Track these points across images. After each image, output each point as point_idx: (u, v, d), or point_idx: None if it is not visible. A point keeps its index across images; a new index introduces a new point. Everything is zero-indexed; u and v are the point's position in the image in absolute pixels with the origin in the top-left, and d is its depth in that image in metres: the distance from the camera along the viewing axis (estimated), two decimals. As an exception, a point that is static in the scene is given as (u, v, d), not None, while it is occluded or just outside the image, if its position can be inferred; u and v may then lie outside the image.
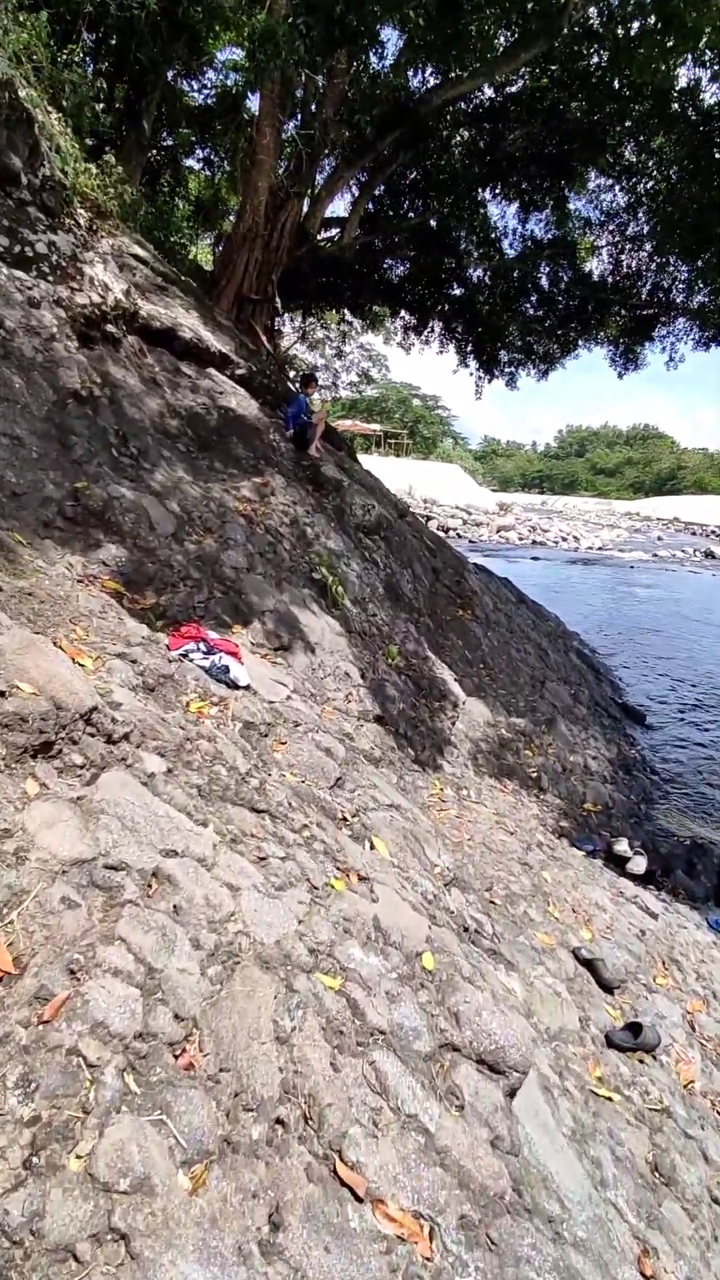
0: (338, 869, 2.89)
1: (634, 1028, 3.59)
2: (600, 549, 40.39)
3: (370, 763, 4.67)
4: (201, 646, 4.28)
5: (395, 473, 41.72)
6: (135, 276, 7.38)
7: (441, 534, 34.58)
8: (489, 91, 16.21)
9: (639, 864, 5.86)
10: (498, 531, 39.58)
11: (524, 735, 7.18)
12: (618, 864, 5.89)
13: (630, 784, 7.78)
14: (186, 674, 3.93)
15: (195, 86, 17.27)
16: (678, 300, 18.22)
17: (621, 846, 6.00)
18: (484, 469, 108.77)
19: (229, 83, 16.63)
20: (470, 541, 35.19)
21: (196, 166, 19.36)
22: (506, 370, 20.34)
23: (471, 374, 20.54)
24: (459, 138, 16.18)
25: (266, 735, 3.91)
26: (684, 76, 15.26)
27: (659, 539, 50.60)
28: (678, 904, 5.47)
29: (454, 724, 6.48)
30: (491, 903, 4.06)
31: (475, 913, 3.68)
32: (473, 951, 3.31)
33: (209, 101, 17.50)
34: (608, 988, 3.88)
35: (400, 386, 74.56)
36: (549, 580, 24.86)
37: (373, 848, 3.52)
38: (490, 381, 20.67)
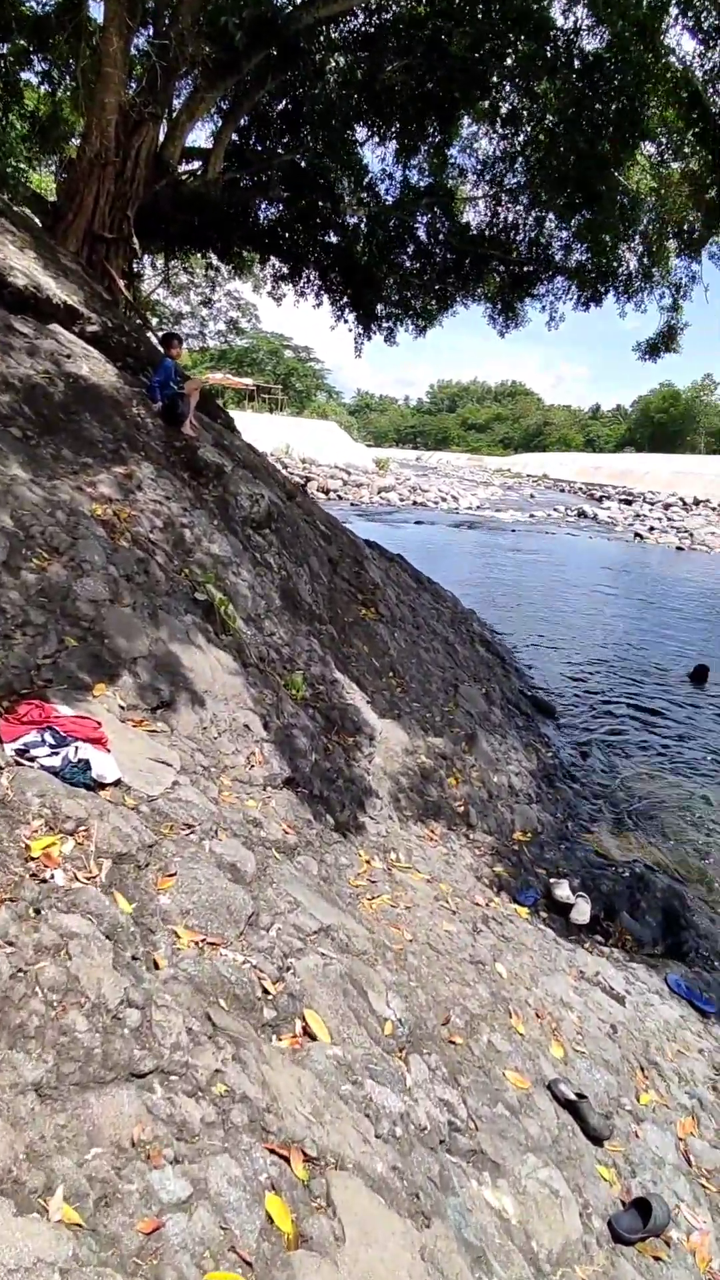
0: (273, 1159, 1.87)
1: (641, 1206, 2.87)
2: (478, 509, 40.63)
3: (285, 856, 3.66)
4: (48, 736, 3.07)
5: (271, 431, 39.92)
6: (-59, 201, 5.69)
7: (323, 495, 33.44)
8: (365, 16, 14.73)
9: (583, 911, 5.24)
10: (379, 493, 38.84)
11: (445, 759, 6.38)
12: (561, 912, 5.25)
13: (554, 798, 7.21)
14: (26, 787, 2.74)
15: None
16: (556, 258, 17.76)
17: (562, 891, 5.36)
18: (358, 424, 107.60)
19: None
20: (352, 504, 34.25)
21: (34, 81, 16.74)
22: (384, 325, 19.39)
23: (350, 329, 19.40)
24: (334, 64, 14.60)
25: (147, 866, 2.80)
26: (566, 18, 14.47)
27: (531, 497, 51.74)
28: (633, 964, 4.88)
29: (371, 760, 5.56)
30: (452, 1043, 3.20)
31: (443, 1091, 2.80)
32: (452, 1166, 2.43)
33: (46, 9, 15.01)
34: (597, 1138, 3.15)
35: (271, 337, 71.53)
36: (436, 548, 24.40)
37: (308, 1034, 2.54)
38: (369, 338, 19.62)
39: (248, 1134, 1.88)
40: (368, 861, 4.41)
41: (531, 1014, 3.76)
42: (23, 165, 17.17)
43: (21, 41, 15.12)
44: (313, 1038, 2.56)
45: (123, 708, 3.76)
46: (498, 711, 8.18)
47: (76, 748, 3.09)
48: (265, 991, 2.60)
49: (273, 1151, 1.88)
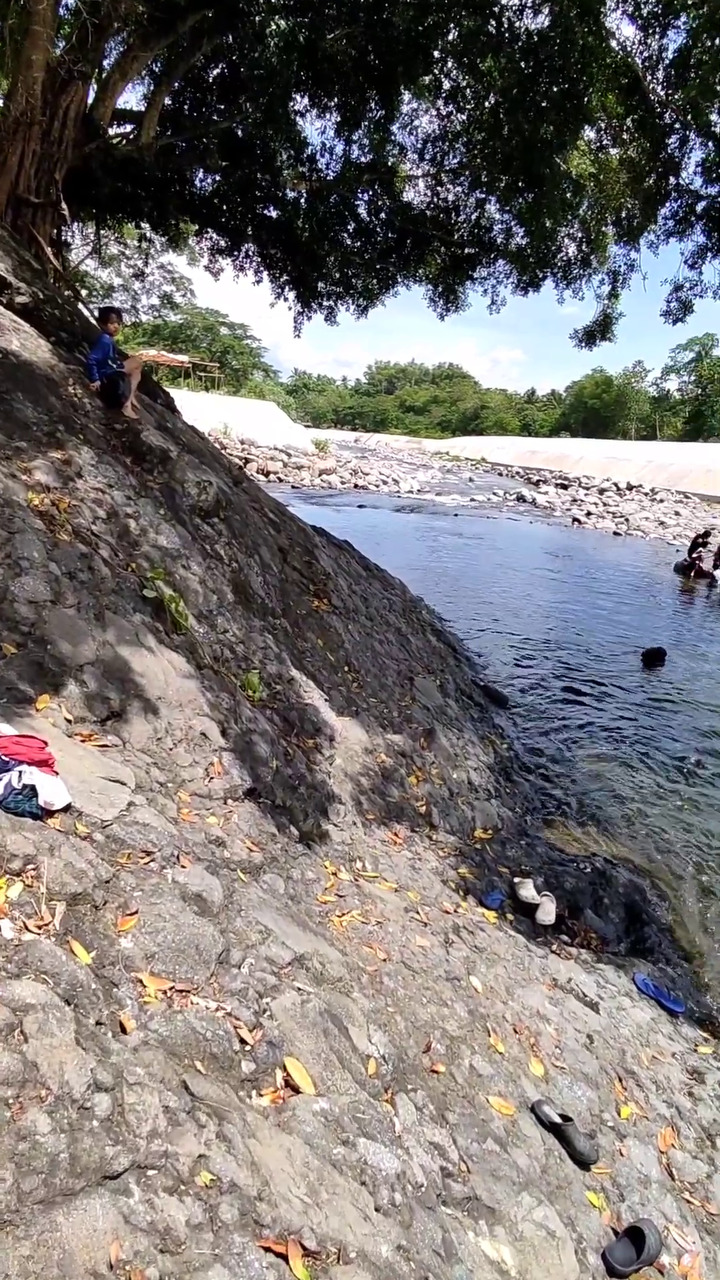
0: (270, 1258, 1.65)
1: (633, 1235, 2.77)
2: (419, 492, 40.62)
3: (251, 877, 3.41)
4: (-13, 760, 2.74)
5: (209, 410, 38.91)
6: None
7: (263, 478, 32.79)
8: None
9: (549, 911, 5.16)
10: (320, 475, 38.32)
11: (405, 757, 6.21)
12: (527, 913, 5.16)
13: (512, 792, 7.15)
14: (-38, 823, 2.42)
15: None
16: (497, 241, 17.68)
17: (527, 892, 5.27)
18: (296, 404, 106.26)
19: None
20: (294, 487, 33.71)
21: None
22: (325, 304, 19.01)
23: (290, 307, 18.96)
24: (274, 27, 14.00)
25: (105, 905, 2.52)
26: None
27: (471, 480, 52.09)
28: (601, 965, 4.83)
29: (332, 762, 5.33)
30: (435, 1072, 3.04)
31: (433, 1133, 2.63)
32: (451, 1222, 2.26)
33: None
34: (584, 1163, 3.04)
35: (206, 313, 69.61)
36: (380, 532, 24.20)
37: (291, 1085, 2.32)
38: (310, 317, 19.25)
39: (239, 1232, 1.65)
40: (334, 873, 4.19)
41: (509, 1030, 3.63)
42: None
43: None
44: (295, 1090, 2.34)
45: (69, 720, 3.42)
46: (453, 704, 8.07)
47: (20, 772, 2.76)
48: (242, 1042, 2.36)
49: (268, 1249, 1.66)
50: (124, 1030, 2.07)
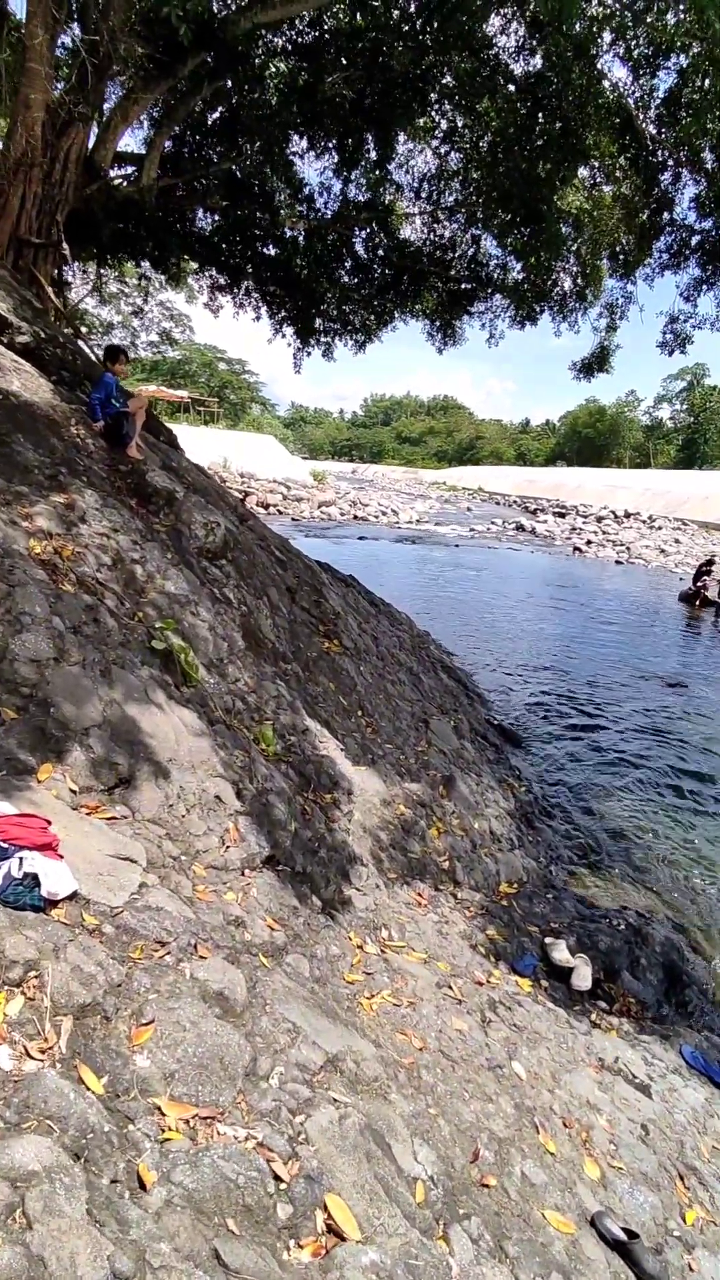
0: None
1: None
2: (419, 523, 40.69)
3: (274, 961, 3.11)
4: (-16, 847, 2.46)
5: (208, 444, 39.08)
6: None
7: (263, 511, 32.77)
8: (306, 25, 14.43)
9: (584, 975, 4.83)
10: (319, 507, 38.36)
11: (424, 807, 5.91)
12: (561, 978, 4.83)
13: (535, 840, 6.83)
14: (-45, 926, 2.13)
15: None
16: (494, 277, 17.82)
17: (560, 954, 4.95)
18: (293, 437, 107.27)
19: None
20: (294, 520, 33.70)
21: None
22: (323, 340, 19.11)
23: (289, 343, 19.06)
24: (273, 70, 14.19)
25: (116, 1014, 2.22)
26: (505, 36, 14.51)
27: (469, 510, 52.30)
28: (644, 1037, 4.49)
29: (350, 818, 5.04)
30: (485, 1185, 2.71)
31: (494, 1273, 2.30)
32: None
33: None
34: (656, 1287, 2.71)
35: (205, 349, 70.45)
36: (382, 565, 24.07)
37: (333, 1230, 2.01)
38: (309, 353, 19.35)
39: None
40: (360, 946, 3.88)
41: (559, 1124, 3.30)
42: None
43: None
44: (339, 1235, 2.02)
45: (74, 791, 3.15)
46: (469, 746, 7.78)
47: (21, 859, 2.48)
48: (277, 1179, 2.05)
49: None
50: (144, 1187, 1.76)
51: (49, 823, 2.72)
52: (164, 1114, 2.04)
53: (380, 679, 7.66)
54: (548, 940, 5.15)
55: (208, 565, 6.07)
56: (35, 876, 2.47)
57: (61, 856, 2.65)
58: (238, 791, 3.97)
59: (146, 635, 4.39)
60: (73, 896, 2.59)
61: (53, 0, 10.57)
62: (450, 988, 3.96)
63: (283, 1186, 2.05)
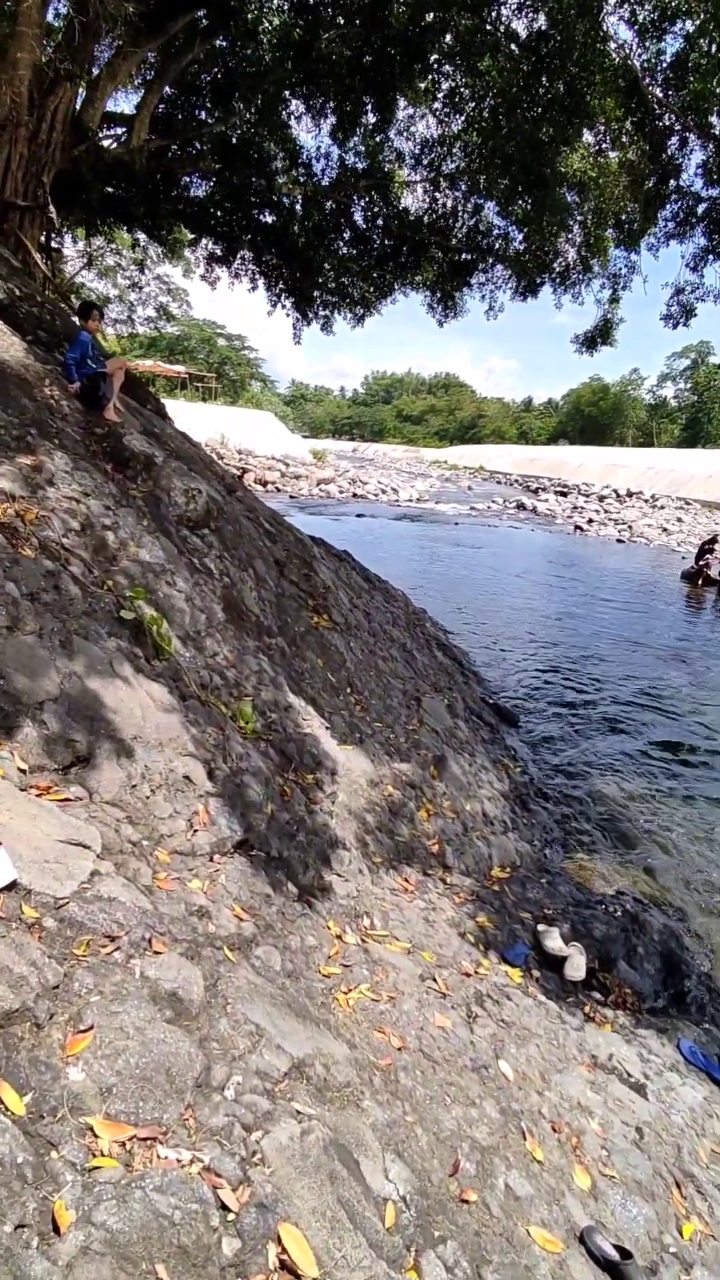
0: None
1: None
2: (418, 501, 40.26)
3: (241, 954, 2.87)
4: None
5: (206, 420, 38.52)
6: None
7: (260, 488, 32.35)
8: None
9: (578, 964, 4.61)
10: (318, 485, 37.89)
11: (414, 788, 5.67)
12: (554, 968, 4.61)
13: (530, 823, 6.60)
14: None
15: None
16: (495, 247, 17.36)
17: (553, 942, 4.72)
18: (294, 415, 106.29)
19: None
20: (291, 496, 33.28)
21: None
22: (322, 313, 18.70)
23: (287, 314, 18.66)
24: (267, 25, 13.61)
25: (51, 1021, 1.98)
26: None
27: (470, 489, 51.78)
28: (641, 1031, 4.27)
29: (334, 800, 4.79)
30: (465, 1201, 2.48)
31: (471, 1307, 2.08)
32: None
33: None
34: (650, 1312, 2.49)
35: (204, 324, 69.45)
36: (379, 541, 23.71)
37: (287, 1269, 1.77)
38: (307, 324, 18.93)
39: None
40: (339, 936, 3.64)
41: (548, 1129, 3.08)
42: None
43: None
44: (294, 1273, 1.79)
45: (23, 770, 2.88)
46: (463, 725, 7.53)
47: (-50, 847, 2.23)
48: (224, 1208, 1.81)
49: None
50: (57, 1230, 1.52)
51: (-14, 805, 2.46)
52: (96, 1136, 1.80)
53: (371, 655, 7.39)
54: (540, 928, 4.93)
55: (188, 534, 5.78)
56: (-35, 865, 2.22)
57: (0, 842, 2.39)
58: (209, 771, 3.71)
59: (115, 605, 4.12)
60: (11, 887, 2.34)
61: (41, -45, 10.10)
62: (435, 980, 3.73)
63: (230, 1218, 1.81)
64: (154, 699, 3.78)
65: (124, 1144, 1.82)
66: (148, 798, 3.30)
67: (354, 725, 5.94)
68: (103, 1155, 1.76)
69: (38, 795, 2.86)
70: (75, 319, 7.60)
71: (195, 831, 3.35)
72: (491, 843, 5.82)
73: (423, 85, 15.40)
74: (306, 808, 4.38)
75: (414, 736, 6.51)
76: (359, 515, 30.49)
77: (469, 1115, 2.88)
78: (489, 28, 13.90)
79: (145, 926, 2.56)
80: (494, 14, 13.68)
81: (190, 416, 29.73)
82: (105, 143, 14.51)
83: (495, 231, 17.32)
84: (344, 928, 3.75)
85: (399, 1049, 3.03)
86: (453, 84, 15.63)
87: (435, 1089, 2.92)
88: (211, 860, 3.31)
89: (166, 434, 7.41)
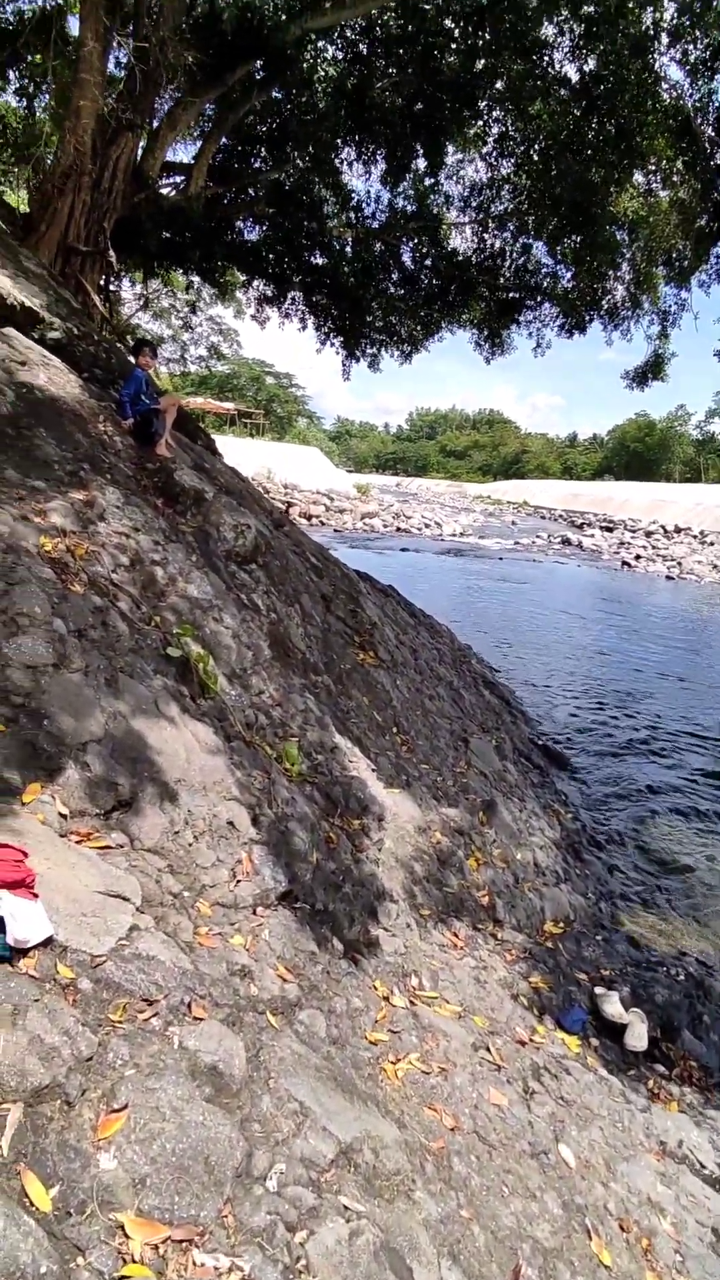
0: None
1: None
2: (462, 535, 40.16)
3: (284, 1019, 2.69)
4: (-57, 883, 2.10)
5: (253, 455, 39.21)
6: None
7: (305, 521, 32.64)
8: (356, 30, 14.22)
9: (639, 1033, 4.29)
10: (362, 519, 38.15)
11: (462, 835, 5.44)
12: (613, 1035, 4.30)
13: (583, 874, 6.29)
14: None
15: (10, 9, 14.23)
16: (543, 284, 17.40)
17: (612, 1008, 4.41)
18: (339, 450, 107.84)
19: (47, 6, 13.87)
20: (335, 530, 33.51)
21: (12, 102, 16.21)
22: (369, 351, 18.92)
23: (336, 352, 18.93)
24: (322, 73, 14.03)
25: (81, 1099, 1.83)
26: (561, 36, 14.07)
27: (514, 524, 51.53)
28: (710, 1111, 3.93)
29: (381, 847, 4.60)
30: (527, 1317, 2.23)
31: None
32: None
33: (24, 14, 14.41)
34: None
35: (253, 363, 71.25)
36: (424, 576, 23.61)
37: None
38: (356, 362, 19.15)
39: None
40: (386, 998, 3.43)
41: (615, 1227, 2.79)
42: (-4, 183, 16.54)
43: (-5, 57, 14.58)
44: None
45: (64, 815, 2.78)
46: (511, 768, 7.26)
47: (-14, 899, 2.11)
48: (260, 1332, 1.62)
49: None
50: None
51: (25, 854, 2.35)
52: (128, 1237, 1.63)
53: (418, 694, 7.21)
54: (598, 991, 4.62)
55: (236, 569, 5.73)
56: (0, 920, 2.10)
57: (37, 895, 2.27)
58: (254, 817, 3.57)
59: (162, 641, 4.04)
60: (47, 943, 2.21)
61: (104, 9, 10.57)
62: (489, 1050, 3.47)
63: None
64: (199, 740, 3.67)
65: (157, 1247, 1.65)
66: (190, 845, 3.16)
67: (400, 767, 5.75)
68: (134, 1262, 1.59)
69: (78, 842, 2.74)
70: (130, 357, 7.74)
71: (238, 882, 3.20)
72: (544, 895, 5.53)
73: (471, 131, 15.64)
74: (353, 856, 4.19)
75: (462, 780, 6.29)
76: (403, 549, 30.50)
77: (529, 1210, 2.63)
78: (539, 72, 14.07)
79: (185, 989, 2.41)
80: (545, 58, 13.86)
81: (238, 451, 30.27)
82: (164, 190, 15.00)
83: (544, 270, 17.38)
84: (391, 988, 3.53)
85: (452, 1129, 2.79)
86: (503, 127, 15.83)
87: (492, 1177, 2.67)
88: (254, 913, 3.15)
89: (216, 469, 7.45)
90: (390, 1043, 3.14)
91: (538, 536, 42.73)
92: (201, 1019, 2.34)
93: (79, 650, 3.37)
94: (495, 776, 6.74)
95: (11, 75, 15.67)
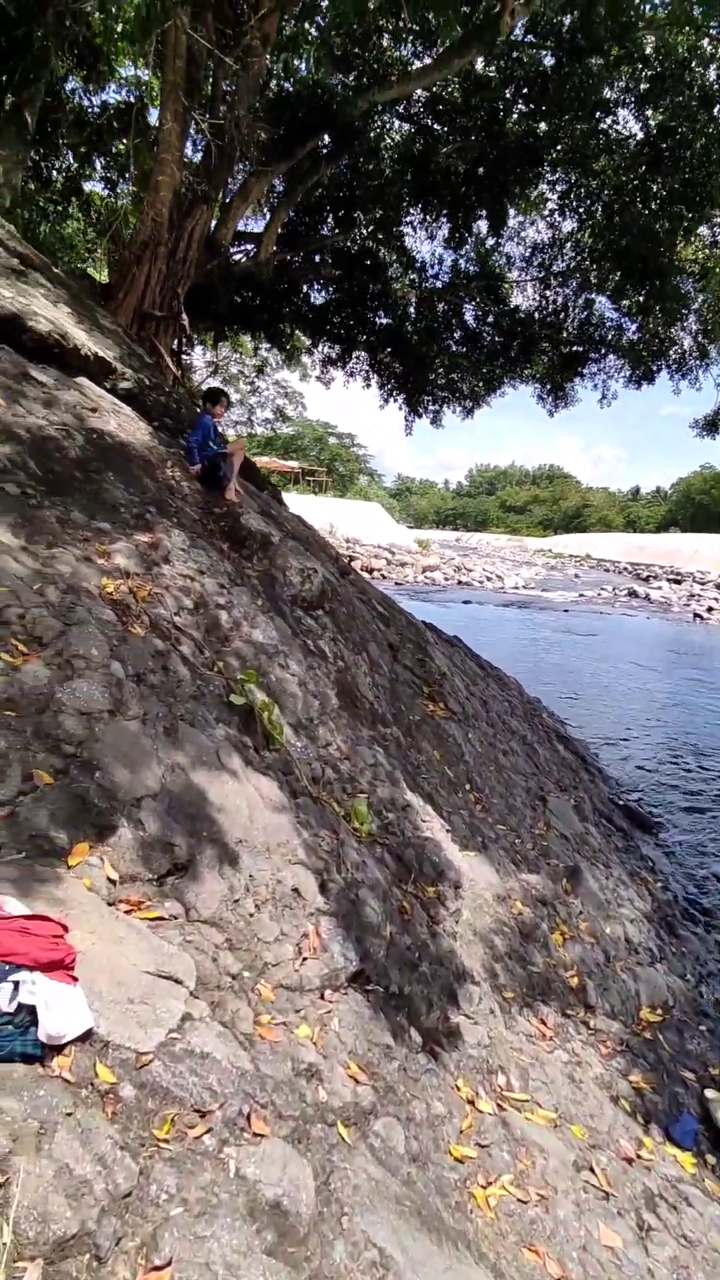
0: None
1: None
2: (524, 588, 39.56)
3: (358, 1135, 2.27)
4: (-29, 962, 1.81)
5: (316, 511, 39.78)
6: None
7: (367, 575, 32.70)
8: (422, 94, 14.67)
9: (765, 1152, 3.65)
10: (423, 572, 38.06)
11: (545, 905, 4.92)
12: (733, 1153, 3.67)
13: (679, 951, 5.63)
14: None
15: (96, 102, 15.35)
16: (608, 337, 17.23)
17: (731, 1117, 3.79)
18: (399, 506, 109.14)
19: (130, 99, 14.91)
20: (396, 583, 33.43)
21: (100, 190, 17.33)
22: (431, 408, 19.02)
23: (399, 408, 19.06)
24: (388, 141, 14.47)
25: (115, 1249, 1.46)
26: (628, 93, 14.18)
27: (576, 576, 50.62)
28: None
29: (458, 918, 4.14)
30: None
31: None
32: None
33: (111, 108, 15.47)
34: None
35: (317, 424, 73.30)
36: (487, 628, 23.13)
37: None
38: (418, 419, 19.26)
39: None
40: (471, 1101, 2.96)
41: None
42: (81, 262, 17.55)
43: (83, 149, 15.64)
44: None
45: (113, 881, 2.48)
46: (593, 830, 6.69)
47: (17, 984, 1.81)
48: None
49: None
50: None
51: (65, 929, 2.05)
52: None
53: (491, 748, 6.76)
54: (710, 1095, 4.00)
55: (302, 615, 5.49)
56: (33, 1010, 1.78)
57: (76, 979, 1.96)
58: (321, 884, 3.20)
59: (225, 688, 3.78)
60: (85, 1036, 1.88)
61: (184, 92, 11.11)
62: (593, 1170, 2.95)
63: None
64: (262, 795, 3.35)
65: None
66: (251, 916, 2.81)
67: (475, 828, 5.29)
68: None
69: (127, 911, 2.43)
70: (198, 405, 7.78)
71: (304, 960, 2.82)
72: (639, 976, 4.92)
73: (534, 193, 15.82)
74: (429, 928, 3.76)
75: (541, 842, 5.77)
76: (465, 602, 30.13)
77: None
78: (603, 130, 14.18)
79: (243, 1095, 2.03)
80: (609, 117, 13.97)
81: (302, 507, 30.71)
82: (235, 257, 15.57)
83: (608, 323, 17.24)
84: (476, 1089, 3.05)
85: (558, 1278, 2.29)
86: (567, 183, 15.95)
87: None
88: (322, 997, 2.76)
89: (282, 516, 7.33)
90: (479, 1160, 2.67)
91: (603, 589, 41.77)
92: (263, 1136, 1.95)
93: (137, 696, 3.13)
94: (576, 839, 6.18)
95: (98, 164, 16.74)
